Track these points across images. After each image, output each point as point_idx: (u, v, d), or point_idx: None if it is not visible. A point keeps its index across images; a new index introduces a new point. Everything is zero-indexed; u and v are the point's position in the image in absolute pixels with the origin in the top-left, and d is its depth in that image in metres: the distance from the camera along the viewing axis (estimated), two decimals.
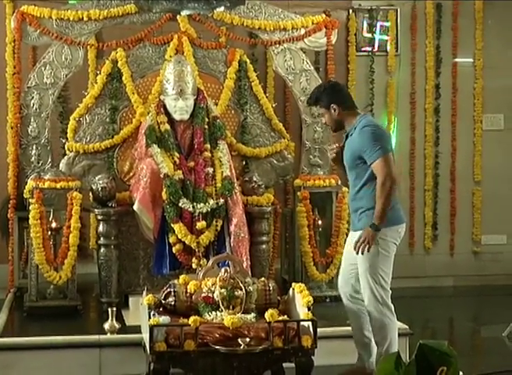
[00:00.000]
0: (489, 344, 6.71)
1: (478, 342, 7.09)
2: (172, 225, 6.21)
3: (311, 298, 4.69)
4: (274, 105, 7.22)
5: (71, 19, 6.87)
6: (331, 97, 4.87)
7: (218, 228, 6.30)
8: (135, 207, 6.24)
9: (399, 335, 5.12)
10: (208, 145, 6.57)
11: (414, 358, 2.99)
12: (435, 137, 8.76)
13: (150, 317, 4.55)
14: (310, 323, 4.61)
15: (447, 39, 8.72)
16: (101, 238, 6.42)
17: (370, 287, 4.84)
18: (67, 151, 6.79)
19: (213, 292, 4.76)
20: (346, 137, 4.99)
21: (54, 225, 6.37)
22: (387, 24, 8.61)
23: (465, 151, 8.80)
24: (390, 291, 4.91)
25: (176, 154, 6.45)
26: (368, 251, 4.71)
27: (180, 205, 6.23)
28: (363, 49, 8.61)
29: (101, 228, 6.42)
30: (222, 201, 6.30)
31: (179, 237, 6.21)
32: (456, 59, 8.78)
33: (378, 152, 4.69)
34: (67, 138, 6.83)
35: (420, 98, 8.72)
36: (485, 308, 7.87)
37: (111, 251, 6.39)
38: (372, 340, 5.01)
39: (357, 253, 4.75)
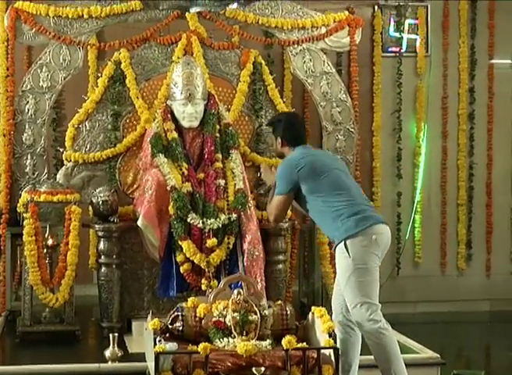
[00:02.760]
0: None
1: None
2: (180, 242, 6.23)
3: (332, 324, 4.69)
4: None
5: (70, 16, 6.93)
6: (278, 129, 5.36)
7: (231, 246, 6.32)
8: (139, 222, 6.26)
9: (430, 365, 5.11)
10: (220, 155, 6.59)
11: None
12: (469, 147, 8.75)
13: (155, 344, 4.55)
14: (331, 350, 4.60)
15: (483, 38, 8.72)
16: (102, 257, 6.45)
17: (353, 304, 4.89)
18: (65, 161, 6.83)
19: (225, 316, 4.76)
20: None
21: (50, 242, 6.40)
22: (416, 22, 8.62)
23: (502, 162, 8.79)
24: (379, 305, 4.92)
25: (185, 164, 6.48)
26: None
27: (189, 220, 6.25)
28: (390, 50, 8.62)
29: (101, 245, 6.44)
30: (234, 216, 6.31)
31: (188, 256, 6.22)
32: (493, 60, 8.78)
33: (276, 191, 5.17)
34: (64, 147, 6.87)
35: (452, 104, 8.71)
36: None
37: (112, 270, 6.41)
38: (352, 367, 5.08)
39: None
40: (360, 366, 5.19)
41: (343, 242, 4.91)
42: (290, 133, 5.32)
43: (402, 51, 8.62)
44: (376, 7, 8.53)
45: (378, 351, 4.93)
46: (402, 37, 8.62)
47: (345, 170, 5.25)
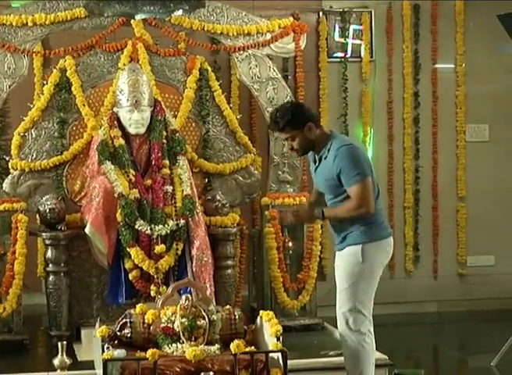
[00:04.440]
0: None
1: (465, 373, 7.16)
2: (128, 249, 6.21)
3: (280, 327, 4.72)
4: (239, 117, 7.27)
5: (14, 24, 6.85)
6: (305, 115, 4.95)
7: (179, 252, 6.32)
8: (87, 230, 6.24)
9: (378, 366, 5.14)
10: (167, 161, 6.59)
11: None
12: (414, 150, 8.85)
13: (103, 351, 4.55)
14: (279, 354, 4.63)
15: (426, 43, 8.84)
16: (50, 265, 6.41)
17: (344, 309, 4.86)
18: (11, 170, 6.77)
19: (173, 322, 4.78)
20: (316, 160, 5.07)
21: None
22: (361, 27, 8.71)
23: (447, 165, 8.90)
24: (370, 315, 4.92)
25: (132, 171, 6.47)
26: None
27: (137, 227, 6.24)
28: (335, 55, 8.70)
29: (49, 254, 6.41)
30: (182, 222, 6.31)
31: (136, 263, 6.21)
32: (436, 65, 8.90)
33: (356, 178, 4.77)
34: (9, 155, 6.82)
35: (397, 108, 8.81)
36: (473, 335, 7.94)
37: (60, 279, 6.38)
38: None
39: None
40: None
41: (361, 246, 4.84)
42: (313, 113, 5.04)
43: (347, 56, 8.69)
44: (321, 13, 8.60)
45: (350, 359, 4.91)
46: (347, 42, 8.70)
47: None
